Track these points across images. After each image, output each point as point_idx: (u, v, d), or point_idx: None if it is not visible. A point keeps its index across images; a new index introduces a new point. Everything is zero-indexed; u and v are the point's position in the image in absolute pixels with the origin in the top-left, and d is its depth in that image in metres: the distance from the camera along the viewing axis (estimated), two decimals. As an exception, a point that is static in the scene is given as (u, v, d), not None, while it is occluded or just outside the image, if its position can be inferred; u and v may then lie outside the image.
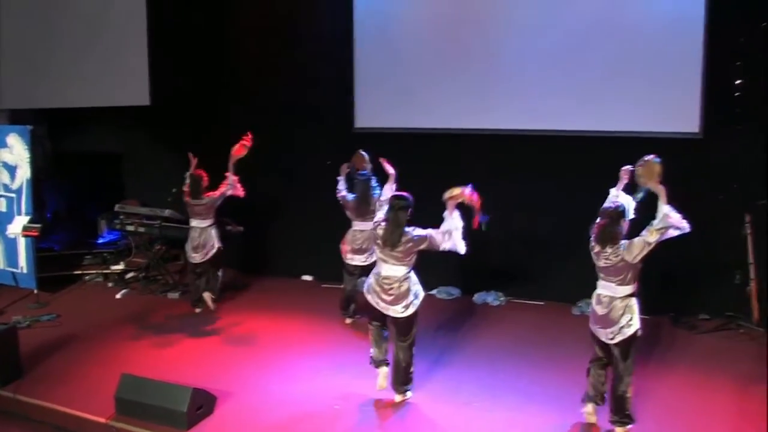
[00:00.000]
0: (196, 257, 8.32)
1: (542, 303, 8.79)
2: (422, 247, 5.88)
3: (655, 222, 5.21)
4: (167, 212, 9.44)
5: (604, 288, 5.45)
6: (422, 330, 6.47)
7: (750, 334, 7.72)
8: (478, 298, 9.00)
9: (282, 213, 9.94)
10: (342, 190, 8.02)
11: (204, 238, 8.27)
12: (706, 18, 7.86)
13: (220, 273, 8.61)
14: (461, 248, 5.89)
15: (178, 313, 8.56)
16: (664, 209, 5.15)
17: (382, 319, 6.12)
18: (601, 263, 5.41)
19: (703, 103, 8.00)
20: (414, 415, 6.00)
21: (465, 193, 5.78)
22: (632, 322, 5.35)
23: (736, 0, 7.79)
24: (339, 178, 8.04)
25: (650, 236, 5.17)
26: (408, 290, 5.93)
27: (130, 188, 11.20)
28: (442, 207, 5.86)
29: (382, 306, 5.98)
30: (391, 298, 5.93)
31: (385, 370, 6.26)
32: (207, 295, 8.41)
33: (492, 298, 8.91)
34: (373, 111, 9.42)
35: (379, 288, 5.98)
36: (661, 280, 7.55)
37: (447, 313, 8.52)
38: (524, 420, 5.81)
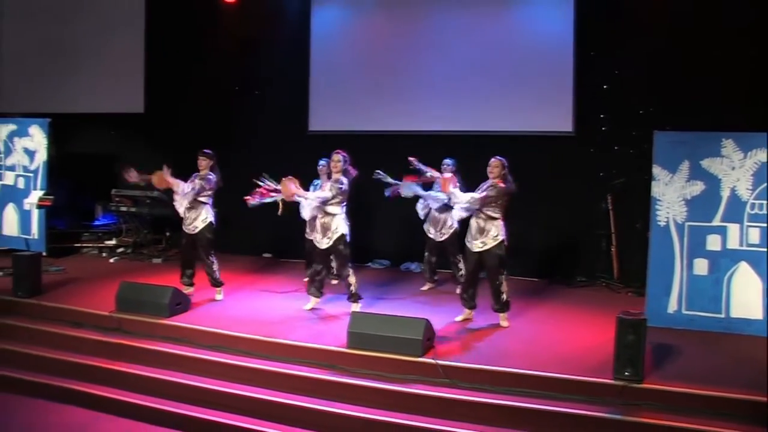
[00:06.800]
0: None
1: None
2: None
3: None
4: (156, 194, 11.14)
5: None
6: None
7: (611, 287, 9.98)
8: (403, 266, 11.19)
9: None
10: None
11: None
12: (574, 44, 10.26)
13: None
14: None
15: (160, 272, 10.31)
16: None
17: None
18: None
19: (574, 109, 10.32)
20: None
21: None
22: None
23: (596, 34, 10.17)
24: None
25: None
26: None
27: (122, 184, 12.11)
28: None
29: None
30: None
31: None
32: None
33: (414, 266, 11.05)
34: (324, 117, 11.67)
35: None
36: (546, 251, 9.75)
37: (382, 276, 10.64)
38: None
